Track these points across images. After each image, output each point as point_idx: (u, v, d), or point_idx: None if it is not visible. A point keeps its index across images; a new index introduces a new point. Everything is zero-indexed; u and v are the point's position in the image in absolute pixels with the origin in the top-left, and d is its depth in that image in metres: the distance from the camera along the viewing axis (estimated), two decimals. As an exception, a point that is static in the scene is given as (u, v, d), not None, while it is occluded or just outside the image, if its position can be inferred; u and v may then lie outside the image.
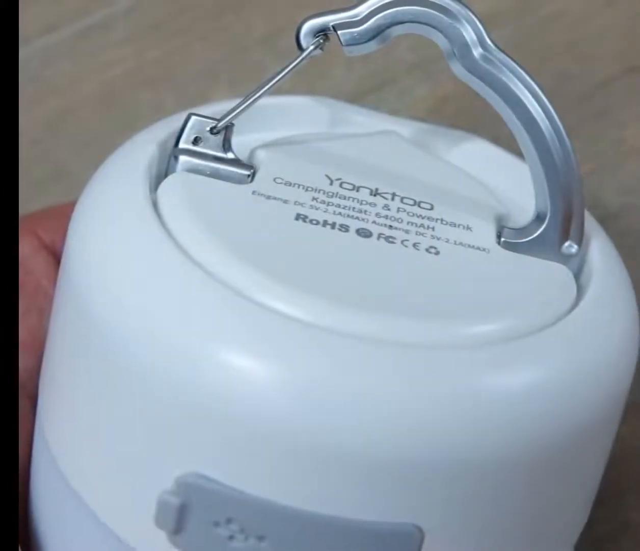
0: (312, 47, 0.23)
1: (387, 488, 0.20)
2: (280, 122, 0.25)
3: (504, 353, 0.21)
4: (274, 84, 0.23)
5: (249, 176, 0.23)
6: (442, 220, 0.24)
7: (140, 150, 0.24)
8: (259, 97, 0.23)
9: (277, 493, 0.20)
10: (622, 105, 0.31)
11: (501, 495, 0.21)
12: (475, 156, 0.26)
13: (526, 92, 0.23)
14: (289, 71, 0.23)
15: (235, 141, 0.24)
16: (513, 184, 0.25)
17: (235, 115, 0.23)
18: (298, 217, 0.23)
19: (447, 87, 0.31)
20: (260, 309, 0.21)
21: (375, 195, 0.24)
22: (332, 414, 0.20)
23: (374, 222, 0.23)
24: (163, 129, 0.24)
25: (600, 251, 0.24)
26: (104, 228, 0.22)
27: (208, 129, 0.24)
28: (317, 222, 0.23)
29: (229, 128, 0.24)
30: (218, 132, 0.24)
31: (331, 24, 0.23)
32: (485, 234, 0.23)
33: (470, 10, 0.23)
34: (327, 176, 0.24)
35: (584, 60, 0.32)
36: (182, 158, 0.23)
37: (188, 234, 0.22)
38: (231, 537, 0.21)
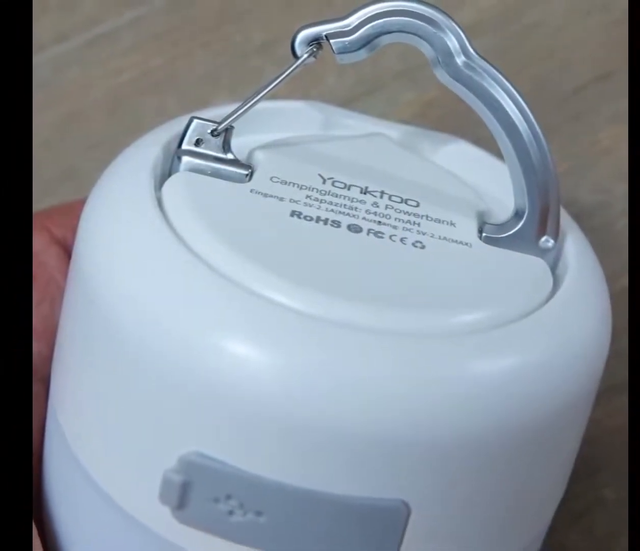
0: (306, 55, 0.23)
1: (376, 466, 0.21)
2: (277, 124, 0.26)
3: (486, 341, 0.21)
4: (270, 89, 0.24)
5: (247, 175, 0.24)
6: (427, 216, 0.24)
7: (146, 151, 0.24)
8: (257, 101, 0.24)
9: (273, 471, 0.21)
10: (596, 109, 0.31)
11: (484, 472, 0.21)
12: (459, 156, 0.26)
13: (506, 97, 0.23)
14: (284, 77, 0.24)
15: (234, 142, 0.24)
16: (493, 183, 0.25)
17: (235, 118, 0.24)
18: (293, 214, 0.23)
19: (432, 92, 0.31)
20: (257, 299, 0.21)
21: (365, 193, 0.24)
22: (324, 397, 0.20)
23: (364, 218, 0.23)
24: (167, 132, 0.24)
25: (575, 245, 0.24)
26: (112, 224, 0.23)
27: (209, 131, 0.24)
28: (311, 219, 0.23)
29: (228, 130, 0.24)
30: (218, 135, 0.24)
31: (324, 33, 0.23)
32: (468, 229, 0.24)
33: (454, 20, 0.23)
34: (320, 175, 0.24)
35: (561, 67, 0.32)
36: (185, 158, 0.24)
37: (190, 230, 0.22)
38: (231, 512, 0.21)
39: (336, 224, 0.23)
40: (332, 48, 0.23)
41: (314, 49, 0.23)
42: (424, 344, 0.21)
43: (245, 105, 0.24)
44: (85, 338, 0.23)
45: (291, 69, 0.24)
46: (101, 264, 0.22)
